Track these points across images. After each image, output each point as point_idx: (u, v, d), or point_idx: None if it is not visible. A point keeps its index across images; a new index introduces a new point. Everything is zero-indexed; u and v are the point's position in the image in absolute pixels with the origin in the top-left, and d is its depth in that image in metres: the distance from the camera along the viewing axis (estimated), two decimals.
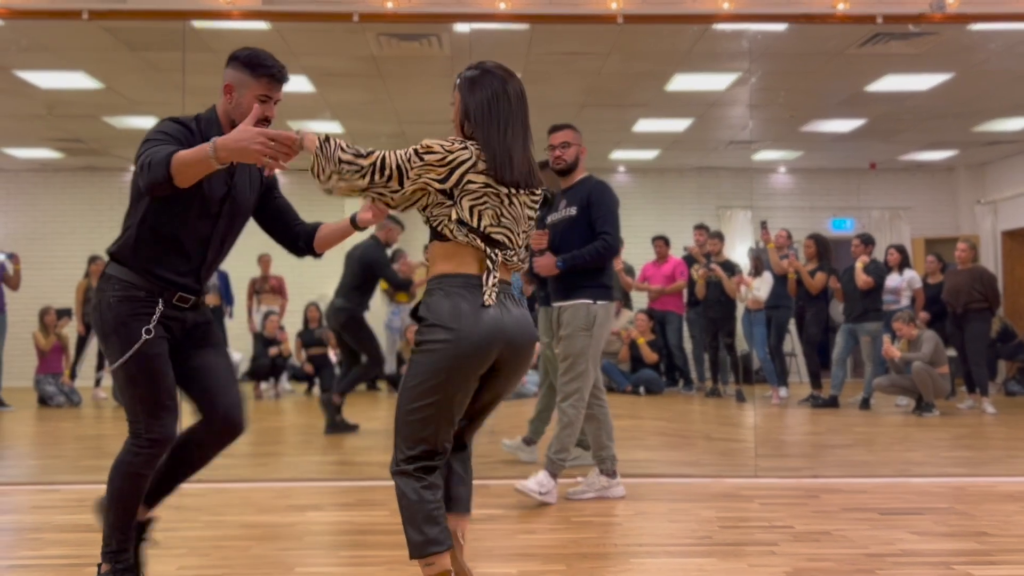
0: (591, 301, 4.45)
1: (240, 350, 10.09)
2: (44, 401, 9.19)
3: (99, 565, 2.92)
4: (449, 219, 2.62)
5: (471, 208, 2.62)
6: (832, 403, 8.54)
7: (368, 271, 7.15)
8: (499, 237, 2.66)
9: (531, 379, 9.53)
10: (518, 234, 2.72)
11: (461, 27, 6.34)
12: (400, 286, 8.37)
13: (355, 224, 3.09)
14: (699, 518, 4.14)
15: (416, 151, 2.59)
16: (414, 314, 2.68)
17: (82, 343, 9.69)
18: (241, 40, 6.97)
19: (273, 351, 10.07)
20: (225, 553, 3.56)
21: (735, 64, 7.65)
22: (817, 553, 3.53)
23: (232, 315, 10.32)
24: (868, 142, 10.84)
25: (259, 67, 2.91)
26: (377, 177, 2.57)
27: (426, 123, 9.22)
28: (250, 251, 10.47)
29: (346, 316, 7.04)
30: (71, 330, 9.71)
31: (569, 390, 4.44)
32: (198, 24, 6.08)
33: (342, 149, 2.57)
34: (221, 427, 2.99)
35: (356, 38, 6.87)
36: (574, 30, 6.52)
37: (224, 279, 10.22)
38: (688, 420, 8.30)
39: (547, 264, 4.51)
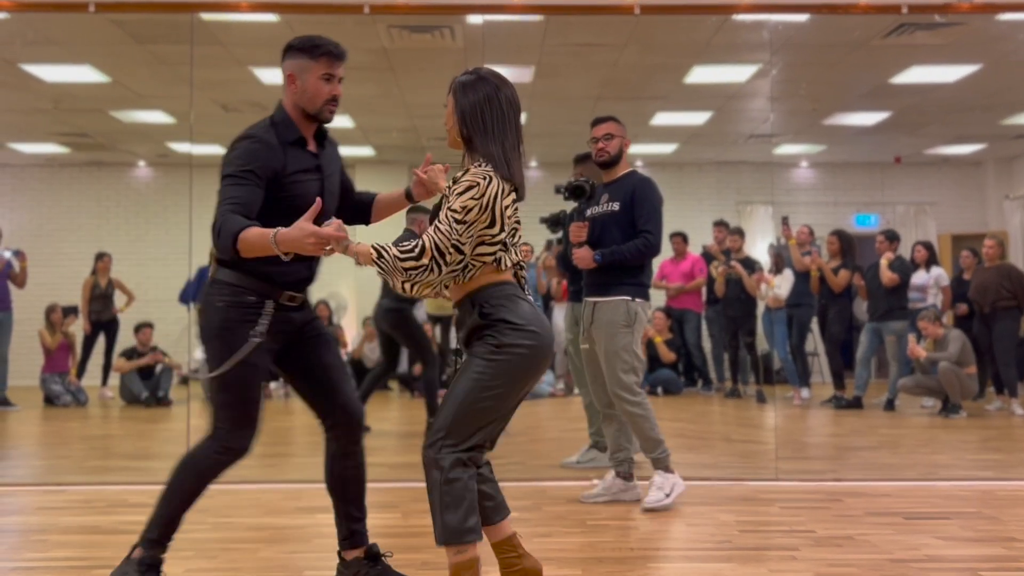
0: (630, 298, 4.42)
1: None
2: (50, 400, 9.26)
3: (134, 546, 2.99)
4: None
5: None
6: (856, 404, 8.50)
7: None
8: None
9: (546, 379, 9.53)
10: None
11: (474, 19, 6.34)
12: None
13: (409, 196, 3.24)
14: (718, 522, 4.13)
15: (456, 220, 2.67)
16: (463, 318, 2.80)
17: (88, 342, 9.76)
18: (249, 32, 7.03)
19: None
20: (233, 556, 3.58)
21: (755, 56, 7.62)
22: (840, 558, 3.51)
23: None
24: (893, 135, 10.78)
25: (316, 48, 2.97)
26: (442, 264, 2.68)
27: (438, 117, 9.20)
28: None
29: (397, 316, 6.91)
30: (77, 328, 9.78)
31: (619, 389, 4.39)
32: (206, 16, 6.11)
33: (398, 258, 2.67)
34: (342, 419, 3.09)
35: (366, 30, 6.87)
36: (590, 21, 6.51)
37: None
38: (707, 421, 8.28)
39: (585, 256, 4.48)
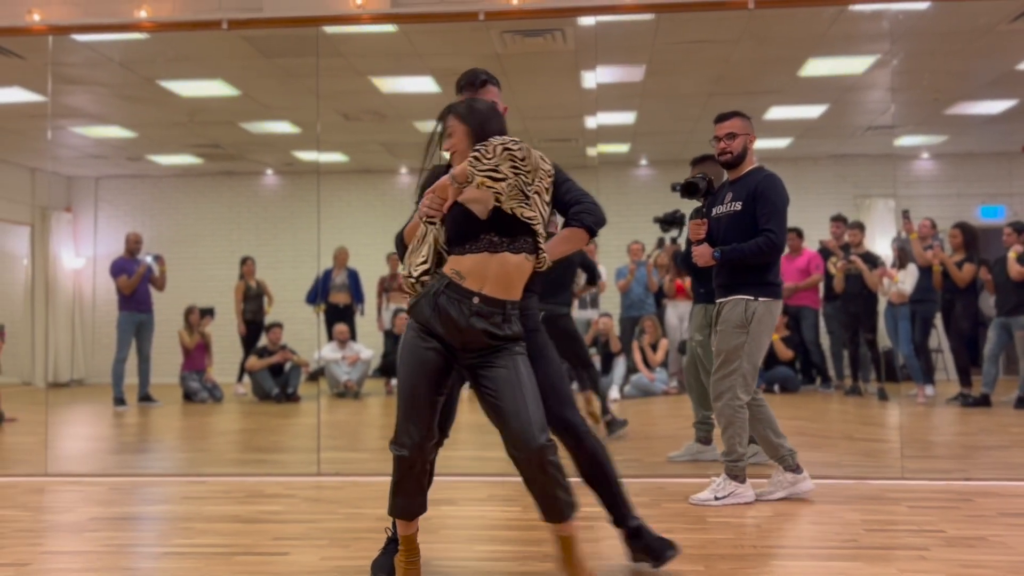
0: (751, 297, 4.30)
1: (371, 347, 10.39)
2: (188, 397, 9.68)
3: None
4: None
5: None
6: (984, 402, 8.12)
7: (575, 266, 6.58)
8: None
9: (659, 376, 9.44)
10: None
11: (586, 20, 6.34)
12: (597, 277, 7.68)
13: None
14: (843, 520, 4.02)
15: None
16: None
17: (247, 342, 10.17)
18: (370, 43, 7.20)
19: None
20: (364, 545, 3.68)
21: (874, 46, 7.37)
22: (972, 559, 3.37)
23: (363, 312, 10.66)
24: (1020, 124, 10.24)
25: (462, 79, 3.32)
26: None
27: (550, 119, 9.26)
28: (379, 250, 10.77)
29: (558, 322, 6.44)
30: (214, 328, 10.18)
31: (720, 388, 4.34)
32: (329, 30, 6.29)
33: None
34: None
35: (480, 36, 6.95)
36: (702, 18, 6.42)
37: (354, 278, 10.55)
38: (827, 419, 8.05)
39: (704, 254, 4.41)
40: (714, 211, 4.56)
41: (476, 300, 2.81)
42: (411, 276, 2.91)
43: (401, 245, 3.13)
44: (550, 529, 2.89)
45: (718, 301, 4.45)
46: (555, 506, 2.83)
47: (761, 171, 4.47)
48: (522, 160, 2.82)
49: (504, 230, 2.85)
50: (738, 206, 4.40)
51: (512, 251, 2.85)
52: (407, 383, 2.87)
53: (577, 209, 3.10)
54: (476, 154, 2.79)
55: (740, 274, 4.34)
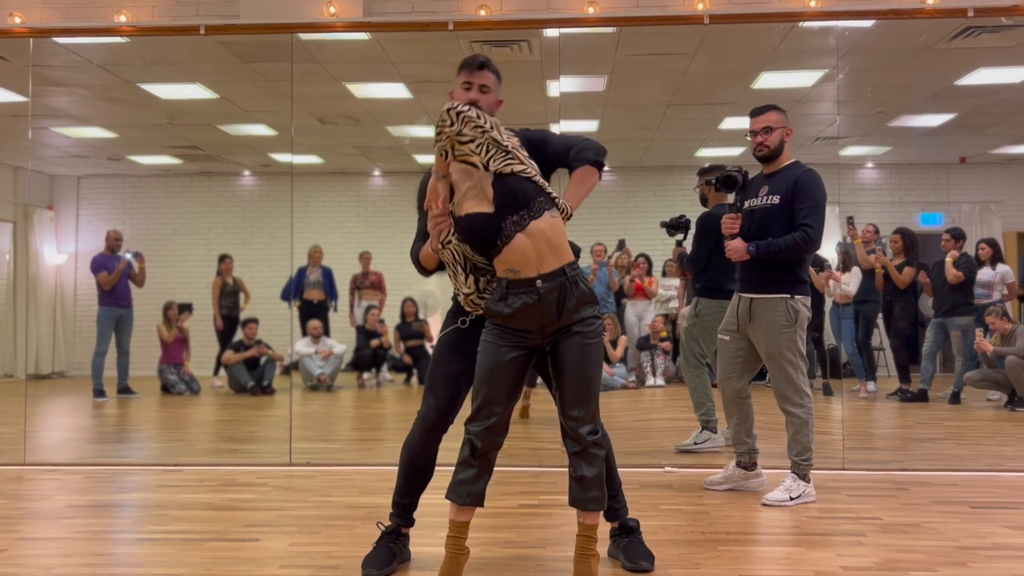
0: (790, 295, 4.09)
1: (344, 342, 10.34)
2: (166, 389, 9.57)
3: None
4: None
5: None
6: (921, 397, 8.25)
7: None
8: None
9: (618, 372, 9.48)
10: None
11: (551, 32, 6.34)
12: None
13: None
14: (787, 508, 4.06)
15: None
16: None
17: (223, 336, 10.08)
18: (343, 50, 7.16)
19: (374, 343, 10.28)
20: (333, 532, 3.66)
21: (822, 61, 7.45)
22: (906, 545, 3.42)
23: (336, 309, 10.61)
24: (958, 136, 10.41)
25: (461, 63, 3.11)
26: None
27: (517, 125, 9.26)
28: (352, 249, 10.72)
29: None
30: (191, 323, 10.07)
31: (787, 390, 4.13)
32: (304, 36, 6.24)
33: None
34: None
35: (450, 45, 6.93)
36: (661, 32, 6.45)
37: (328, 275, 10.50)
38: (775, 412, 8.09)
39: (739, 248, 4.12)
40: (747, 204, 4.28)
41: (539, 283, 2.75)
42: (472, 293, 2.90)
43: (418, 263, 3.14)
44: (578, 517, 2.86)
45: (749, 296, 4.20)
46: (584, 495, 2.79)
47: (800, 165, 4.23)
48: (478, 118, 2.77)
49: (514, 205, 2.74)
50: (776, 200, 4.13)
51: (536, 217, 2.75)
52: (486, 381, 2.80)
53: (574, 152, 2.99)
54: (437, 129, 2.75)
55: (776, 270, 4.10)
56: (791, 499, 4.10)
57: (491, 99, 3.11)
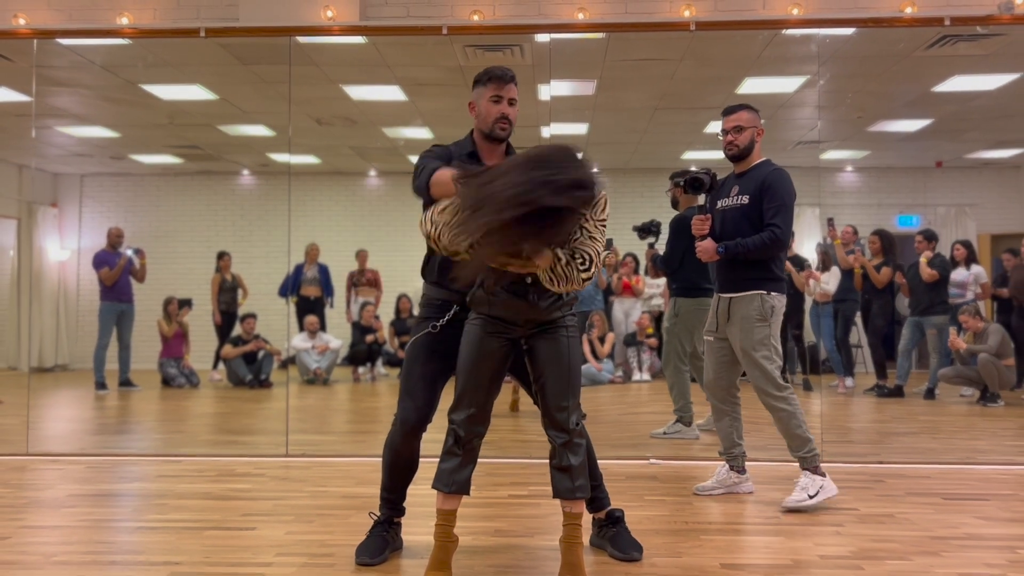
0: (765, 292, 3.97)
1: (340, 337, 10.33)
2: (166, 382, 9.55)
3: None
4: None
5: None
6: (897, 393, 8.29)
7: None
8: None
9: (606, 367, 9.49)
10: None
11: (542, 37, 6.34)
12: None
13: None
14: (767, 500, 4.08)
15: (601, 232, 2.77)
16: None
17: (221, 331, 10.05)
18: (340, 53, 7.14)
19: (369, 338, 10.26)
20: (327, 521, 3.66)
21: (804, 68, 7.47)
22: (882, 534, 3.44)
23: (333, 305, 10.59)
24: (934, 141, 10.46)
25: (485, 74, 3.01)
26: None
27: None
28: (348, 246, 10.69)
29: None
30: (191, 318, 10.06)
31: (763, 383, 3.97)
32: (302, 39, 6.22)
33: (578, 270, 2.67)
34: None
35: (444, 49, 6.93)
36: (648, 38, 6.45)
37: (325, 272, 10.48)
38: (756, 407, 8.11)
39: (708, 249, 4.01)
40: (719, 204, 4.18)
41: (529, 279, 2.73)
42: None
43: (426, 186, 2.86)
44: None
45: (728, 296, 4.08)
46: (572, 484, 2.79)
47: (769, 164, 4.09)
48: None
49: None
50: (745, 200, 4.02)
51: None
52: (468, 370, 2.79)
53: None
54: (587, 204, 2.55)
55: (750, 269, 3.99)
56: (810, 497, 3.85)
57: (517, 112, 3.03)
